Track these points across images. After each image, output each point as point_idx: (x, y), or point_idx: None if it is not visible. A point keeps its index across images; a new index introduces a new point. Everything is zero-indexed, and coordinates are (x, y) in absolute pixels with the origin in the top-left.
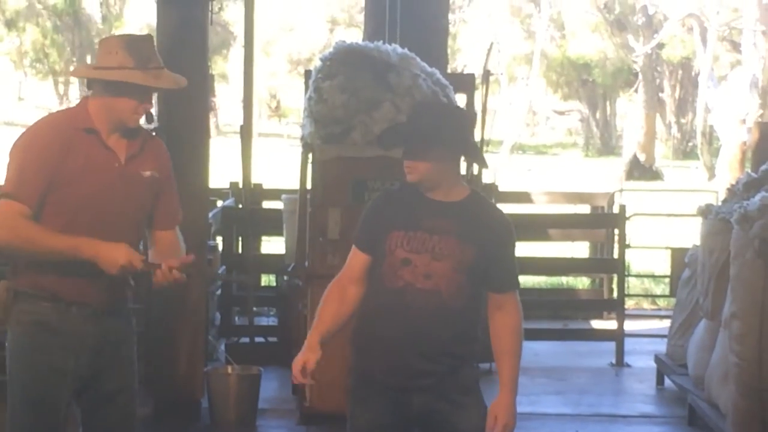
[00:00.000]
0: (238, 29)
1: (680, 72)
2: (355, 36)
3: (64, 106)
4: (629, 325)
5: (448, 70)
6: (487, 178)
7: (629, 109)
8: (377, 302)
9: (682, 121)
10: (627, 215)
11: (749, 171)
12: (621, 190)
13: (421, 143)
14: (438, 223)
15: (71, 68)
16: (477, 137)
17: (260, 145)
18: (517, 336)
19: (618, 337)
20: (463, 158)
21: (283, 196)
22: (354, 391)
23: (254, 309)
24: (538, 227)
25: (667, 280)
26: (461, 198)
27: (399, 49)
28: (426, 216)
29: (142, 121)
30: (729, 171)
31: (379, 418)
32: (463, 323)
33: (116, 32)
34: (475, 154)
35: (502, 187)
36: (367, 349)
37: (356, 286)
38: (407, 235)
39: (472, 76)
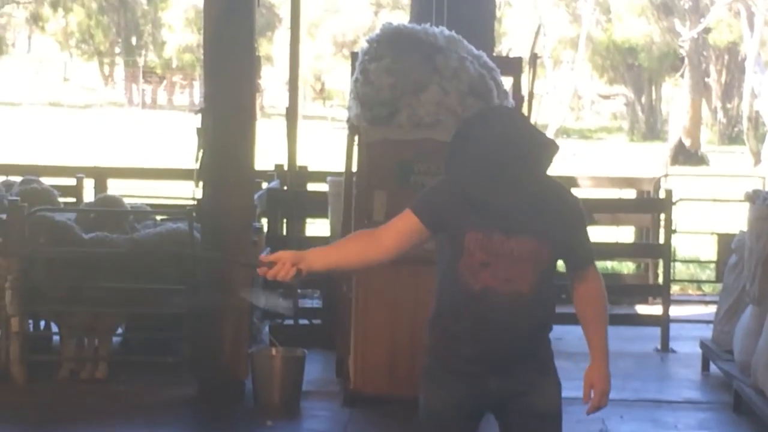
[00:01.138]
0: (283, 11)
1: (726, 57)
2: (400, 18)
3: (109, 87)
4: (675, 311)
5: (495, 53)
6: None
7: (675, 94)
8: (455, 302)
9: (728, 106)
10: (673, 200)
11: None
12: (666, 175)
13: (506, 198)
14: (513, 222)
15: (116, 49)
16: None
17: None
18: (602, 302)
19: (663, 322)
20: None
21: (329, 178)
22: (429, 371)
23: (299, 291)
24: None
25: (713, 265)
26: (532, 189)
27: (446, 32)
28: (501, 215)
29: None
30: None
31: (455, 399)
32: (543, 313)
33: (161, 14)
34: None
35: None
36: (446, 343)
37: (389, 245)
38: (485, 238)
39: (519, 59)
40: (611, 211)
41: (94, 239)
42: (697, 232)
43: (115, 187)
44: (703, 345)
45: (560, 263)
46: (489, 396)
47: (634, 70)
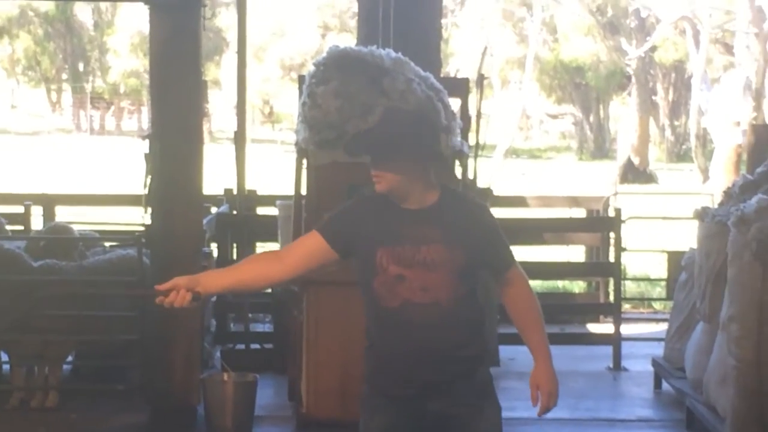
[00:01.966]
0: (230, 35)
1: (673, 75)
2: (347, 41)
3: (56, 114)
4: (626, 329)
5: (442, 74)
6: (481, 182)
7: (622, 113)
8: (379, 322)
9: (676, 123)
10: (622, 218)
11: (745, 173)
12: (616, 194)
13: (385, 152)
14: (421, 232)
15: (63, 75)
16: (471, 141)
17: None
18: (532, 302)
19: (615, 340)
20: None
21: (278, 201)
22: (367, 399)
23: (250, 315)
24: (533, 231)
25: (663, 283)
26: (435, 200)
27: (392, 53)
28: (408, 228)
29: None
30: (723, 174)
31: (392, 424)
32: (468, 326)
33: (107, 39)
34: (439, 160)
35: (497, 192)
36: (378, 367)
37: (290, 263)
38: (395, 251)
39: (466, 80)
40: (561, 230)
41: (43, 267)
42: (647, 251)
43: (63, 214)
44: (654, 363)
45: None
46: (427, 420)
47: (582, 89)
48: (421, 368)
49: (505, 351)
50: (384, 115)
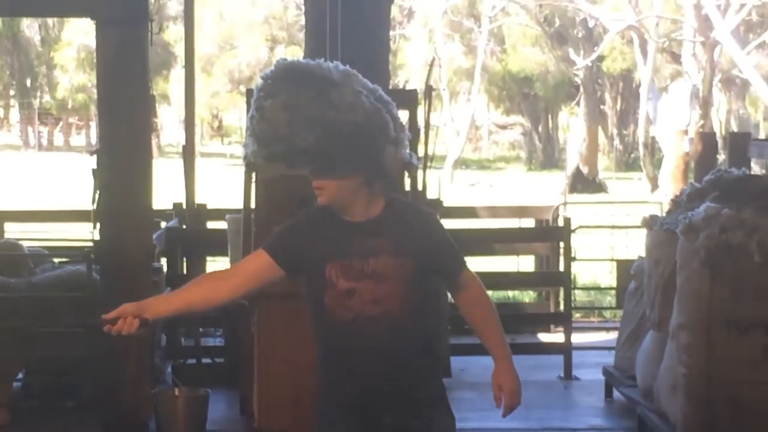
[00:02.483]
0: (178, 49)
1: (621, 84)
2: (295, 54)
3: (4, 130)
4: (577, 338)
5: (390, 86)
6: (431, 193)
7: (571, 122)
8: (331, 338)
9: (624, 132)
10: (572, 228)
11: (693, 182)
12: (565, 203)
13: (324, 163)
14: (368, 244)
15: (11, 91)
16: (420, 153)
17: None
18: (487, 304)
19: (566, 350)
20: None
21: (227, 216)
22: (320, 411)
23: (200, 330)
24: (483, 242)
25: (613, 292)
26: (380, 211)
27: (340, 66)
28: (353, 241)
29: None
30: (672, 182)
31: None
32: (420, 335)
33: (54, 54)
34: (380, 171)
35: (446, 203)
36: (332, 380)
37: (236, 282)
38: (343, 265)
39: (414, 92)
40: (510, 240)
41: None
42: (597, 260)
43: (12, 230)
44: (605, 371)
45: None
46: (381, 430)
47: (530, 99)
48: (375, 380)
49: (456, 362)
50: (325, 128)
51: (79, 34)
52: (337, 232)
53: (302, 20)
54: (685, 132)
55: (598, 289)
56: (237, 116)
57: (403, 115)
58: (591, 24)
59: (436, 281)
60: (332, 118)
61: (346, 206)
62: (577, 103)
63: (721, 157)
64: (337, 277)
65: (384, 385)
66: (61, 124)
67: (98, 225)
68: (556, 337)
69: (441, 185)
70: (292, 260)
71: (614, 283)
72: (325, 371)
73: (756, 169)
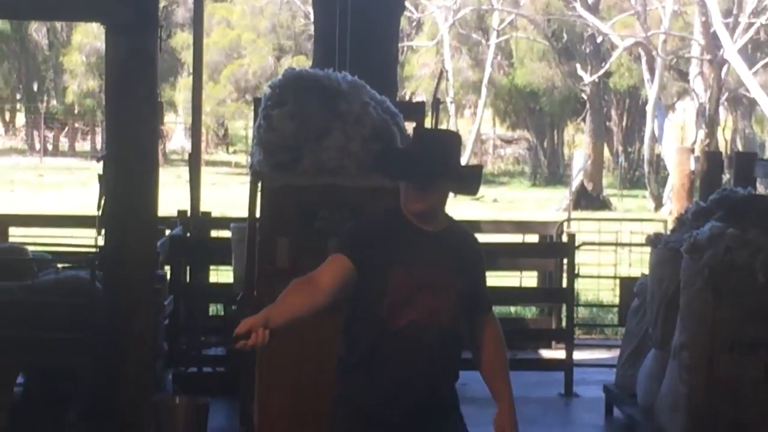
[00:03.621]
0: (185, 56)
1: (627, 101)
2: (302, 64)
3: (10, 135)
4: (578, 355)
5: (398, 98)
6: None
7: (577, 138)
8: (378, 343)
9: (629, 149)
10: (576, 244)
11: (698, 200)
12: (569, 219)
13: (434, 174)
14: (432, 256)
15: (17, 95)
16: None
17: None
18: (504, 349)
19: (567, 366)
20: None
21: (232, 224)
22: (337, 423)
23: (202, 338)
24: (487, 256)
25: (615, 309)
26: (444, 226)
27: (348, 77)
28: (421, 250)
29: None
30: (676, 200)
31: None
32: (457, 351)
33: (63, 59)
34: (471, 180)
35: (450, 216)
36: (370, 386)
37: (327, 287)
38: (407, 272)
39: (422, 104)
40: (514, 255)
41: None
42: (600, 276)
43: (17, 235)
44: (606, 389)
45: None
46: None
47: (536, 114)
48: (418, 390)
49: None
50: (423, 136)
51: (88, 39)
52: (408, 237)
53: (310, 30)
54: (691, 150)
55: (600, 306)
56: (243, 125)
57: (410, 127)
58: (599, 40)
59: None
60: (426, 130)
61: (432, 215)
62: (583, 119)
63: (727, 176)
64: (398, 284)
65: (420, 395)
66: (67, 128)
67: (103, 231)
68: (557, 353)
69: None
70: (363, 257)
71: (617, 301)
72: (357, 377)
73: (761, 189)
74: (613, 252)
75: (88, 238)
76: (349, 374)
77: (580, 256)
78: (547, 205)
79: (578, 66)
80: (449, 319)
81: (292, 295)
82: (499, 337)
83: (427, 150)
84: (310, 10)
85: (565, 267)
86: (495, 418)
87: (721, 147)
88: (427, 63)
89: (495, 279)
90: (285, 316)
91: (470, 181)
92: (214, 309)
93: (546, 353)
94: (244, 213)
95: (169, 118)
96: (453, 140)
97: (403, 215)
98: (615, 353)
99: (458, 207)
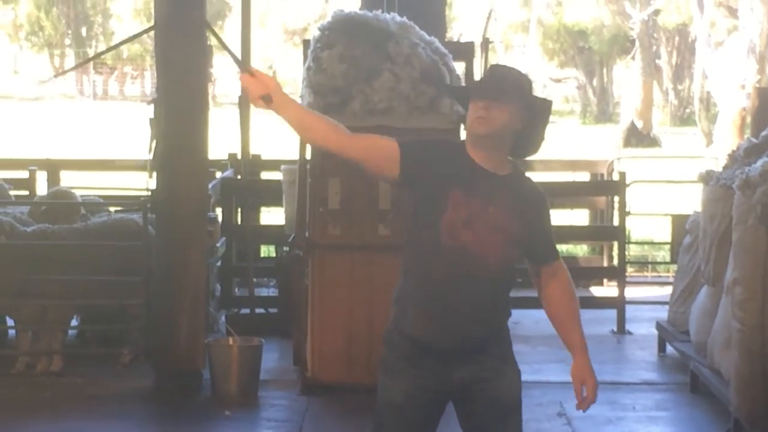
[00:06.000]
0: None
1: (677, 38)
2: (351, 5)
3: (59, 80)
4: (630, 293)
5: (446, 39)
6: None
7: (626, 76)
8: (429, 258)
9: (680, 87)
10: (627, 182)
11: (750, 137)
12: (620, 158)
13: (502, 87)
14: (492, 193)
15: (66, 41)
16: None
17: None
18: (575, 297)
19: (619, 304)
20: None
21: (282, 166)
22: (388, 361)
23: (254, 280)
24: None
25: (667, 246)
26: (508, 173)
27: (397, 18)
28: (480, 184)
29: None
30: (727, 137)
31: (415, 391)
32: (504, 293)
33: (110, 4)
34: (539, 112)
35: None
36: (420, 311)
37: (347, 144)
38: (468, 197)
39: (471, 45)
40: (565, 194)
41: (36, 231)
42: (651, 214)
43: (68, 179)
44: (659, 326)
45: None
46: (450, 384)
47: (585, 53)
48: (463, 317)
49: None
50: (494, 68)
51: None
52: (469, 170)
53: None
54: (742, 87)
55: (652, 243)
56: (291, 68)
57: (460, 67)
58: None
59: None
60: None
61: (493, 149)
62: (633, 57)
63: None
64: (459, 204)
65: (469, 328)
66: (116, 73)
67: (154, 174)
68: (609, 291)
69: None
70: (416, 171)
71: (669, 238)
72: (408, 304)
73: None
74: (665, 189)
75: (139, 182)
76: (405, 300)
77: (631, 194)
78: (597, 143)
79: (627, 4)
80: (496, 259)
81: (320, 117)
82: (568, 287)
83: (499, 71)
84: None
85: (616, 205)
86: (573, 370)
87: None
88: (475, 3)
89: None
90: (293, 108)
91: (539, 111)
92: (266, 251)
93: (598, 291)
94: (294, 155)
95: (218, 61)
96: (525, 76)
97: (467, 153)
98: (667, 290)
99: None
